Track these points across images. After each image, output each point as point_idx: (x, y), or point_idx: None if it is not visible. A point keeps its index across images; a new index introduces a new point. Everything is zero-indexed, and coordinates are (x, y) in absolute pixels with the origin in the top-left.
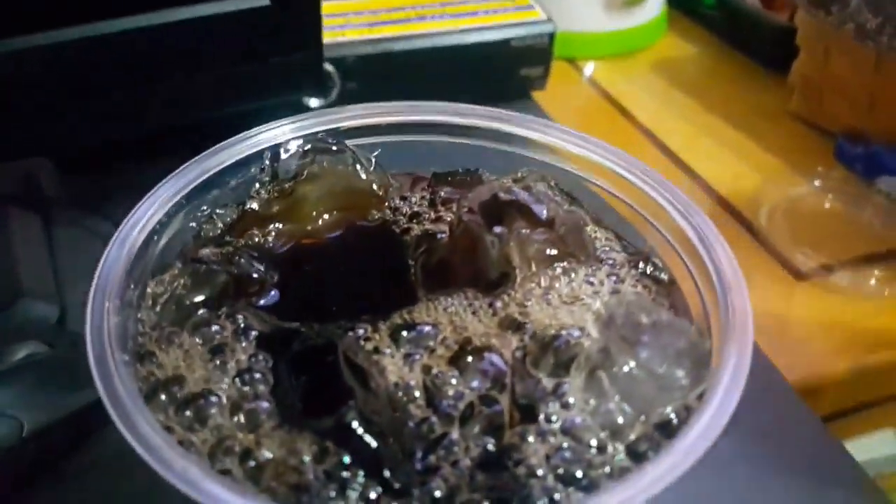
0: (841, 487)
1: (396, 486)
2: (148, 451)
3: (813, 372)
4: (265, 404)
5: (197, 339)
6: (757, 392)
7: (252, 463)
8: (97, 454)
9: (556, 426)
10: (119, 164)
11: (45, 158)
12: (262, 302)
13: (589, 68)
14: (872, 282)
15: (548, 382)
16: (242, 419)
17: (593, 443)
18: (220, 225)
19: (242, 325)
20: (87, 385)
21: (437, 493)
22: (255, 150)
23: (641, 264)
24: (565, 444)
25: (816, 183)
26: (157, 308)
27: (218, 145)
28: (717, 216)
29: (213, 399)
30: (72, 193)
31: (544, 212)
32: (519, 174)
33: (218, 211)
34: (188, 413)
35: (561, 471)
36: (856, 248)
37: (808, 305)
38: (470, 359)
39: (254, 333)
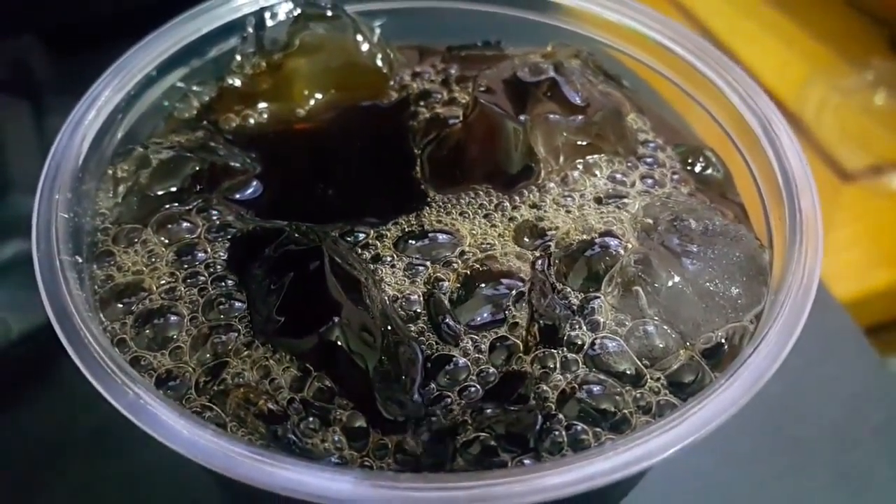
0: (882, 407)
1: (387, 417)
2: (94, 375)
3: (856, 282)
4: (235, 318)
5: (162, 238)
6: None
7: (217, 387)
8: None
9: (583, 351)
10: (114, 41)
11: (34, 37)
12: (239, 195)
13: None
14: None
15: (574, 298)
16: (208, 334)
17: (628, 372)
18: (197, 104)
19: (217, 222)
20: None
21: (436, 427)
22: (236, 15)
23: (691, 158)
24: (593, 373)
25: (869, 76)
26: (120, 200)
27: (194, 10)
28: None
29: (175, 318)
30: (64, 77)
31: (577, 94)
32: (549, 48)
33: (194, 88)
34: (147, 331)
35: (588, 405)
36: None
37: (854, 209)
38: (483, 285)
39: (230, 233)
